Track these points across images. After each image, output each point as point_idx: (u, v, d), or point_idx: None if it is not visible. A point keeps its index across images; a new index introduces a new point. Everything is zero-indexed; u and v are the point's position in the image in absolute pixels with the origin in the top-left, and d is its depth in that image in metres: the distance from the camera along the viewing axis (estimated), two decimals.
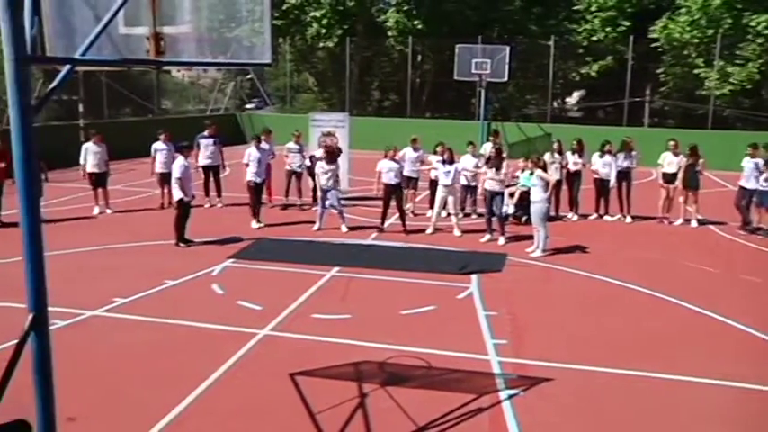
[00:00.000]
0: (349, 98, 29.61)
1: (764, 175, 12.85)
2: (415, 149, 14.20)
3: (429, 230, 12.85)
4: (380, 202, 12.95)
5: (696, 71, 26.22)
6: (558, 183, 13.62)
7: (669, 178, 13.89)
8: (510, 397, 6.25)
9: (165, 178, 14.17)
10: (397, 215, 12.89)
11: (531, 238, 11.77)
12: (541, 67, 28.49)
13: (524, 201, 12.43)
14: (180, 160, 11.65)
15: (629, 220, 14.22)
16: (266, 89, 38.03)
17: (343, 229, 12.79)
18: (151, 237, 12.08)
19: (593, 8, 29.10)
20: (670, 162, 13.90)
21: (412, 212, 14.21)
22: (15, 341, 3.55)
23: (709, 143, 18.17)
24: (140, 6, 3.90)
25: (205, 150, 15.05)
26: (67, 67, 3.89)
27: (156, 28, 3.89)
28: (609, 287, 9.81)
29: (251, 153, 13.27)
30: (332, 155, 13.11)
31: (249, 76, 35.99)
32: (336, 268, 10.36)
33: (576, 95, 38.31)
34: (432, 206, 13.40)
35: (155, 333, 7.74)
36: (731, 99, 26.08)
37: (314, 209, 13.97)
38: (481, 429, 5.73)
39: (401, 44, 30.19)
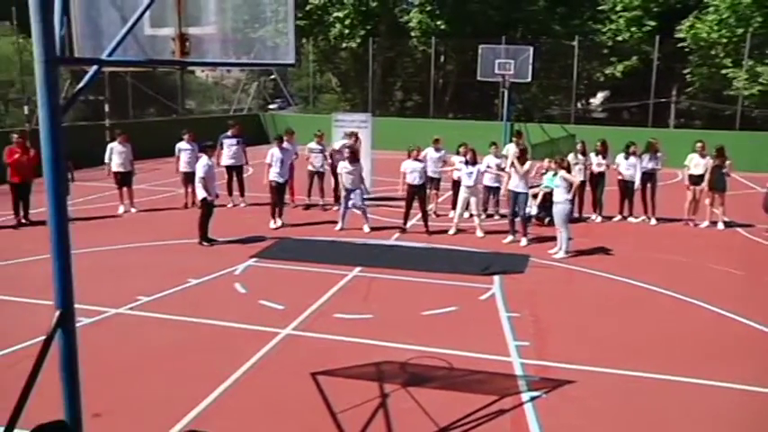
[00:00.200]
0: (372, 98, 29.61)
1: None
2: (437, 150, 14.17)
3: (451, 231, 12.82)
4: (403, 203, 12.95)
5: (724, 71, 25.82)
6: (582, 184, 13.51)
7: (696, 180, 13.71)
8: (532, 399, 6.22)
9: (188, 178, 14.31)
10: (420, 216, 12.88)
11: (553, 239, 11.69)
12: (565, 68, 28.26)
13: (547, 202, 12.34)
14: (203, 160, 11.75)
15: (653, 221, 14.07)
16: (289, 89, 38.18)
17: (366, 229, 12.81)
18: (175, 236, 12.20)
19: (618, 8, 28.77)
20: (697, 164, 13.72)
21: (434, 213, 14.19)
22: (42, 337, 3.60)
23: (736, 144, 17.86)
24: (166, 7, 3.94)
25: (228, 150, 15.15)
26: (95, 67, 3.95)
27: (181, 29, 3.93)
28: (632, 289, 9.71)
29: (273, 153, 13.34)
30: (355, 154, 13.15)
31: (272, 77, 36.16)
32: (358, 268, 10.38)
33: (600, 96, 37.94)
34: (454, 207, 13.36)
35: (178, 331, 7.81)
36: (760, 99, 25.62)
37: (335, 208, 14.01)
38: (503, 431, 5.70)
39: (424, 44, 30.11)
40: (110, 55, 3.81)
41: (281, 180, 13.30)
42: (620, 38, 28.87)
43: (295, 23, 4.14)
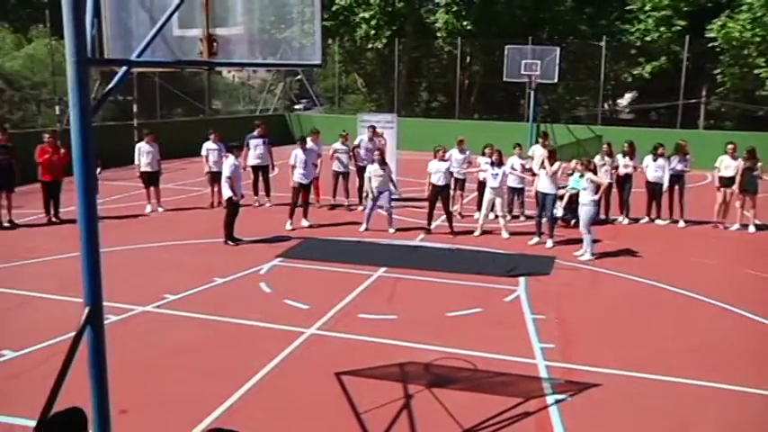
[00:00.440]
0: (397, 99, 29.61)
1: None
2: (461, 151, 14.11)
3: (476, 232, 12.76)
4: (428, 204, 12.93)
5: (756, 71, 25.35)
6: (609, 186, 13.37)
7: (726, 182, 13.49)
8: (557, 402, 6.17)
9: (214, 177, 14.43)
10: (444, 216, 12.85)
11: (579, 241, 11.58)
12: (592, 68, 28.00)
13: (573, 203, 12.24)
14: (230, 160, 11.84)
15: (682, 224, 13.87)
16: (315, 90, 38.31)
17: (391, 230, 12.81)
18: (201, 235, 12.31)
19: (647, 8, 28.40)
20: (727, 165, 13.50)
21: (459, 214, 14.14)
22: (71, 334, 3.65)
23: None
24: (194, 9, 3.98)
25: (254, 150, 15.24)
26: (124, 68, 4.00)
27: (208, 30, 3.96)
28: (659, 292, 9.58)
29: (297, 155, 13.36)
30: (384, 156, 13.18)
31: (298, 77, 36.32)
32: (383, 269, 10.38)
33: (627, 97, 37.54)
34: (479, 208, 13.31)
35: (203, 330, 7.88)
36: None
37: (360, 209, 14.01)
38: None
39: (450, 45, 30.03)
40: (139, 56, 3.86)
41: (305, 181, 13.34)
42: (648, 38, 28.51)
43: (321, 24, 4.15)
